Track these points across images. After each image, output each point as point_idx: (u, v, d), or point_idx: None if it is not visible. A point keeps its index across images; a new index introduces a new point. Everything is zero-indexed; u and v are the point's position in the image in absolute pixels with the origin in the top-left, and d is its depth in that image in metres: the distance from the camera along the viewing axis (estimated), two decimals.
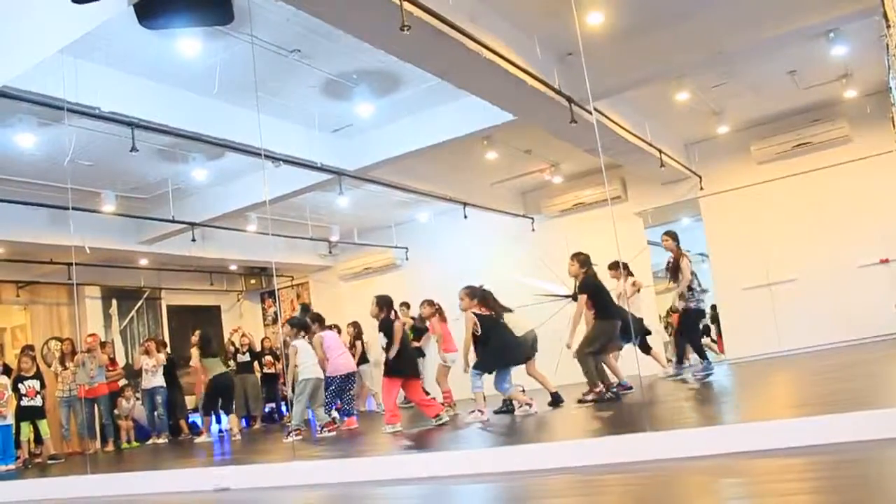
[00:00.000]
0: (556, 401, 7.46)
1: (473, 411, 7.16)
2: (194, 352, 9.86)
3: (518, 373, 7.51)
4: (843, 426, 3.35)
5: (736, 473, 3.22)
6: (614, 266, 8.77)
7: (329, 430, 8.39)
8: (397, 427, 7.23)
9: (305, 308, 10.24)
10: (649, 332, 9.36)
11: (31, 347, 11.27)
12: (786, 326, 10.92)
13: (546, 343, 7.96)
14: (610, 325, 7.56)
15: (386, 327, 7.48)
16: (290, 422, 8.83)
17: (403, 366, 7.46)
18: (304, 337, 8.88)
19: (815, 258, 10.83)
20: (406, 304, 11.88)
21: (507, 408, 7.62)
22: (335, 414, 9.01)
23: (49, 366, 11.51)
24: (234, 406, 10.65)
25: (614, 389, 7.54)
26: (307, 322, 9.10)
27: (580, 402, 7.37)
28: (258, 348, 13.03)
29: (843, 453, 3.18)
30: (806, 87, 9.84)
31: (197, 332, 9.97)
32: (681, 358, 9.08)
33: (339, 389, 8.88)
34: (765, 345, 10.81)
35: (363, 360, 11.98)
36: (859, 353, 8.66)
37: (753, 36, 7.28)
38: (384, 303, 7.65)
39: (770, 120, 11.04)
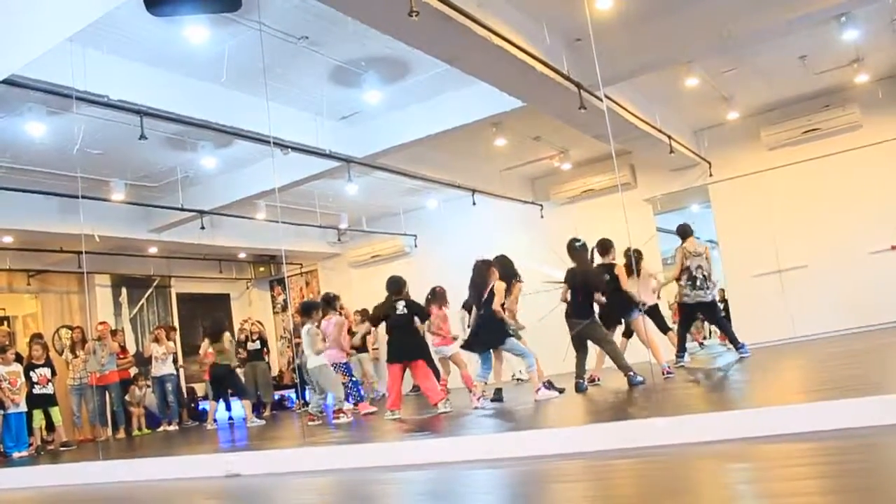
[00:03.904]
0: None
1: (480, 398, 7.20)
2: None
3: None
4: (852, 412, 3.35)
5: (744, 458, 3.23)
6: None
7: (340, 416, 8.42)
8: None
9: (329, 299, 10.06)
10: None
11: (41, 336, 11.33)
12: (796, 313, 10.89)
13: (555, 331, 7.96)
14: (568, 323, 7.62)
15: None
16: (300, 409, 8.87)
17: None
18: (313, 323, 8.84)
19: (825, 244, 10.78)
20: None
21: (498, 396, 7.64)
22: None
23: (60, 354, 11.58)
24: (247, 392, 10.89)
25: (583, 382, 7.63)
26: (309, 306, 9.05)
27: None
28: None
29: (851, 438, 3.18)
30: (817, 72, 9.76)
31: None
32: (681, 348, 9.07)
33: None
34: (775, 331, 10.78)
35: (363, 349, 11.91)
36: (869, 340, 8.63)
37: (763, 20, 7.21)
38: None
39: (780, 106, 10.96)
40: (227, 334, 10.57)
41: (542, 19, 7.17)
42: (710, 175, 11.67)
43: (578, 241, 7.75)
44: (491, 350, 7.43)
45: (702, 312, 9.17)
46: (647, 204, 12.08)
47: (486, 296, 7.29)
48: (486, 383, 7.39)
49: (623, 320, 8.26)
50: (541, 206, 12.94)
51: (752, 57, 8.95)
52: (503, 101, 8.05)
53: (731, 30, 7.25)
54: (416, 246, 14.20)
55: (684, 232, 9.04)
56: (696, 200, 12.91)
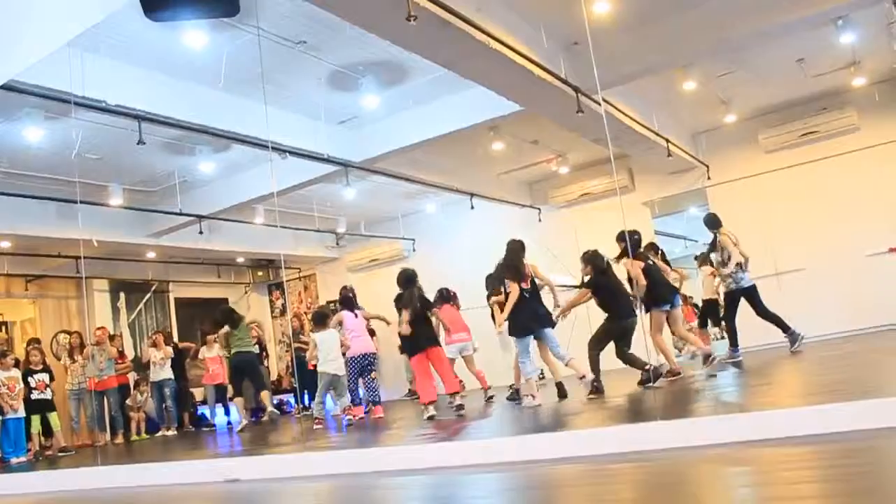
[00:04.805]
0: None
1: (527, 395, 7.20)
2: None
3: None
4: (851, 415, 3.35)
5: (744, 462, 3.23)
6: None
7: (347, 415, 8.44)
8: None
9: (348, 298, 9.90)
10: None
11: (38, 341, 11.33)
12: (793, 316, 10.82)
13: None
14: (617, 326, 7.49)
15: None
16: (298, 413, 8.89)
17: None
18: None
19: (822, 247, 10.78)
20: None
21: (514, 397, 7.65)
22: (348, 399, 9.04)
23: (58, 359, 11.57)
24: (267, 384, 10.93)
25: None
26: (324, 314, 9.04)
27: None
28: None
29: (850, 442, 3.18)
30: (814, 75, 9.78)
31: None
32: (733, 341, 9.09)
33: (356, 371, 8.81)
34: (772, 334, 10.73)
35: None
36: (867, 343, 8.63)
37: (761, 23, 7.22)
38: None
39: (778, 109, 10.98)
40: (245, 322, 10.49)
41: (540, 23, 7.17)
42: (708, 178, 11.68)
43: (601, 255, 7.78)
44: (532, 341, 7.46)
45: (752, 293, 8.94)
46: (645, 207, 12.08)
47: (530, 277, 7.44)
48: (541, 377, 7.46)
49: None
50: (539, 209, 12.94)
51: (750, 60, 8.96)
52: (501, 105, 8.05)
53: (729, 33, 7.27)
54: (414, 250, 14.19)
55: (715, 221, 9.05)
56: (694, 203, 12.90)
